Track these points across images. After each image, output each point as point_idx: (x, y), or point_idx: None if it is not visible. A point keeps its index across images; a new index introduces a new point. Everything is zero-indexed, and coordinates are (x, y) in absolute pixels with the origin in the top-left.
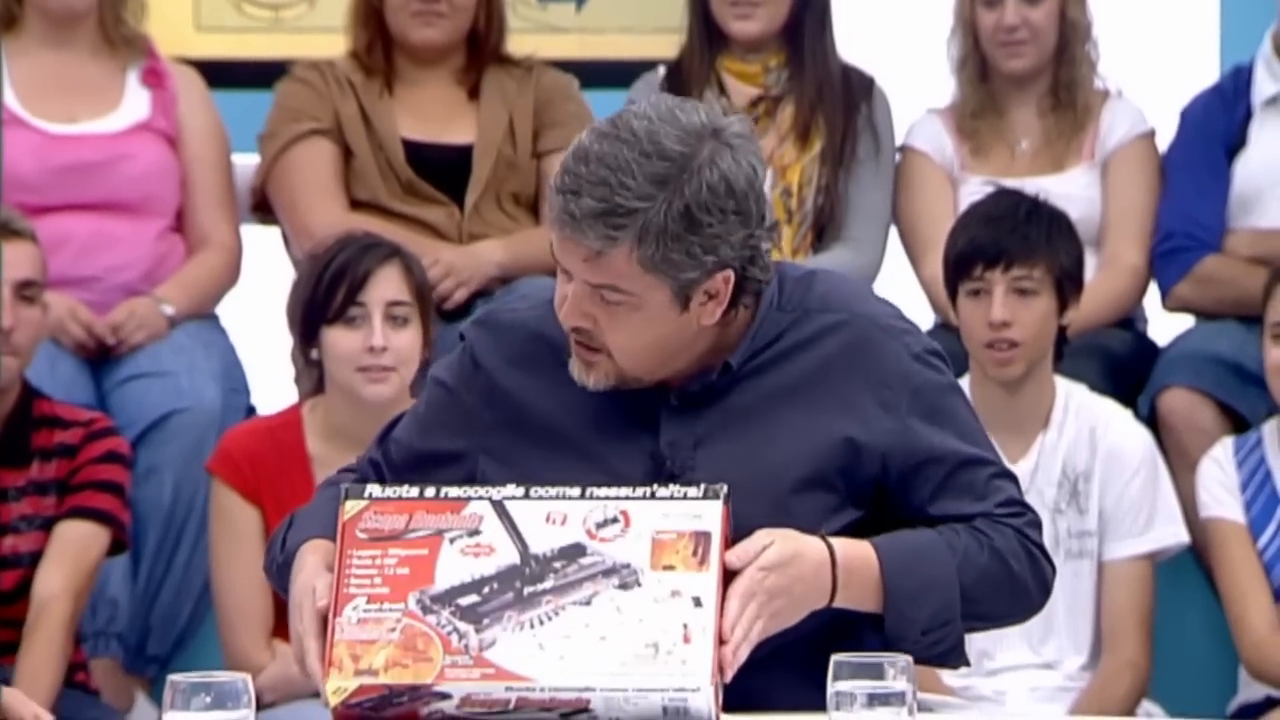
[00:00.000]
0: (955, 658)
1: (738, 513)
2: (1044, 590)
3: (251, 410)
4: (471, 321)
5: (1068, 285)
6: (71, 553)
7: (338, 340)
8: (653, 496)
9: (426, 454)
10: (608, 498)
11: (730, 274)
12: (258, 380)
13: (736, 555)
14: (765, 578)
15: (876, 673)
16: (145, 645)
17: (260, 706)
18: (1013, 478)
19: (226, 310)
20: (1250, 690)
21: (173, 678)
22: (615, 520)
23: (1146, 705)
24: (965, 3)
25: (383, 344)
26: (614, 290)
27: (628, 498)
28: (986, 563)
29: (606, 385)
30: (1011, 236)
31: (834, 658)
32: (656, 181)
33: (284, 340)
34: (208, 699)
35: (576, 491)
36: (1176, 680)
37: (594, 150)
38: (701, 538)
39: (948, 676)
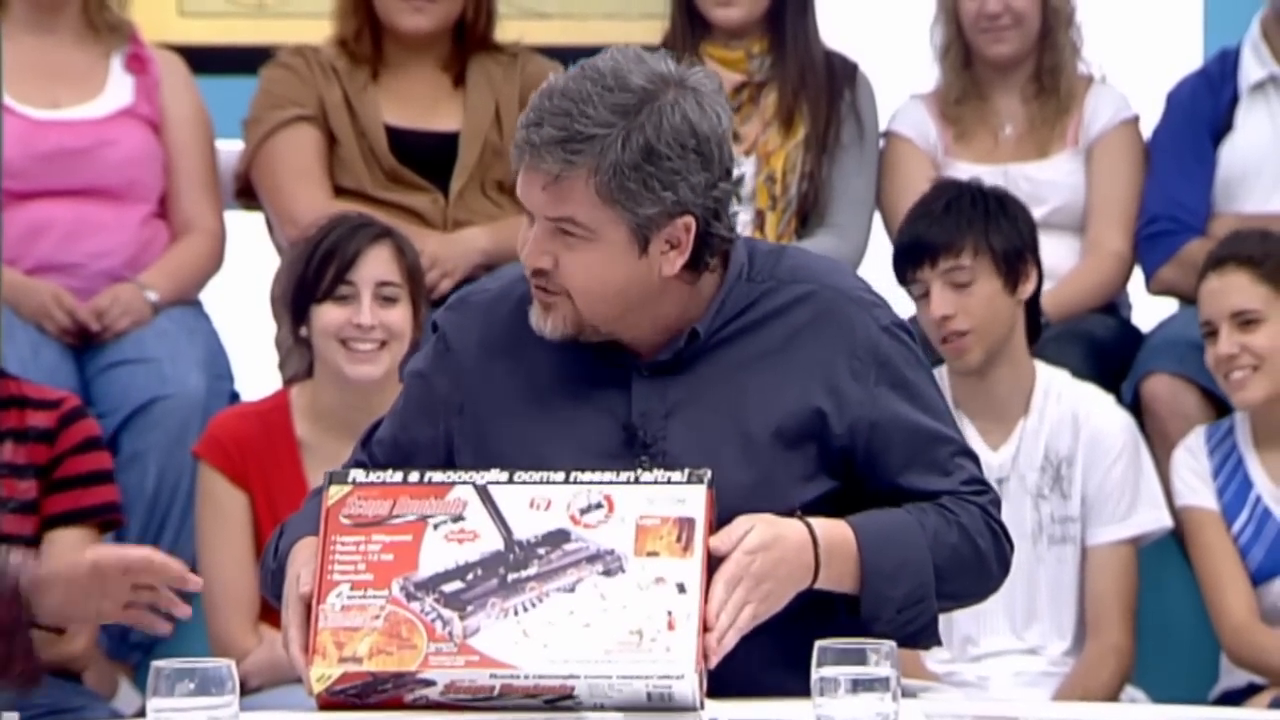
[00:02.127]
0: (928, 637)
1: (714, 480)
2: (1004, 568)
3: (235, 397)
4: (444, 307)
5: (1012, 262)
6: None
7: (325, 315)
8: (636, 481)
9: (408, 445)
10: (591, 483)
11: (691, 221)
12: (241, 366)
13: (720, 541)
14: (751, 562)
15: (860, 658)
16: (128, 632)
17: (246, 691)
18: (974, 456)
19: (210, 296)
20: (1232, 677)
21: (157, 664)
22: (599, 506)
23: (1130, 692)
24: None
25: (370, 322)
26: (572, 223)
27: (611, 483)
28: (956, 541)
29: (564, 332)
30: (931, 230)
31: (818, 644)
32: (617, 111)
33: (268, 326)
34: (192, 685)
35: (560, 476)
36: (1159, 667)
37: (559, 86)
38: (685, 523)
39: (931, 662)
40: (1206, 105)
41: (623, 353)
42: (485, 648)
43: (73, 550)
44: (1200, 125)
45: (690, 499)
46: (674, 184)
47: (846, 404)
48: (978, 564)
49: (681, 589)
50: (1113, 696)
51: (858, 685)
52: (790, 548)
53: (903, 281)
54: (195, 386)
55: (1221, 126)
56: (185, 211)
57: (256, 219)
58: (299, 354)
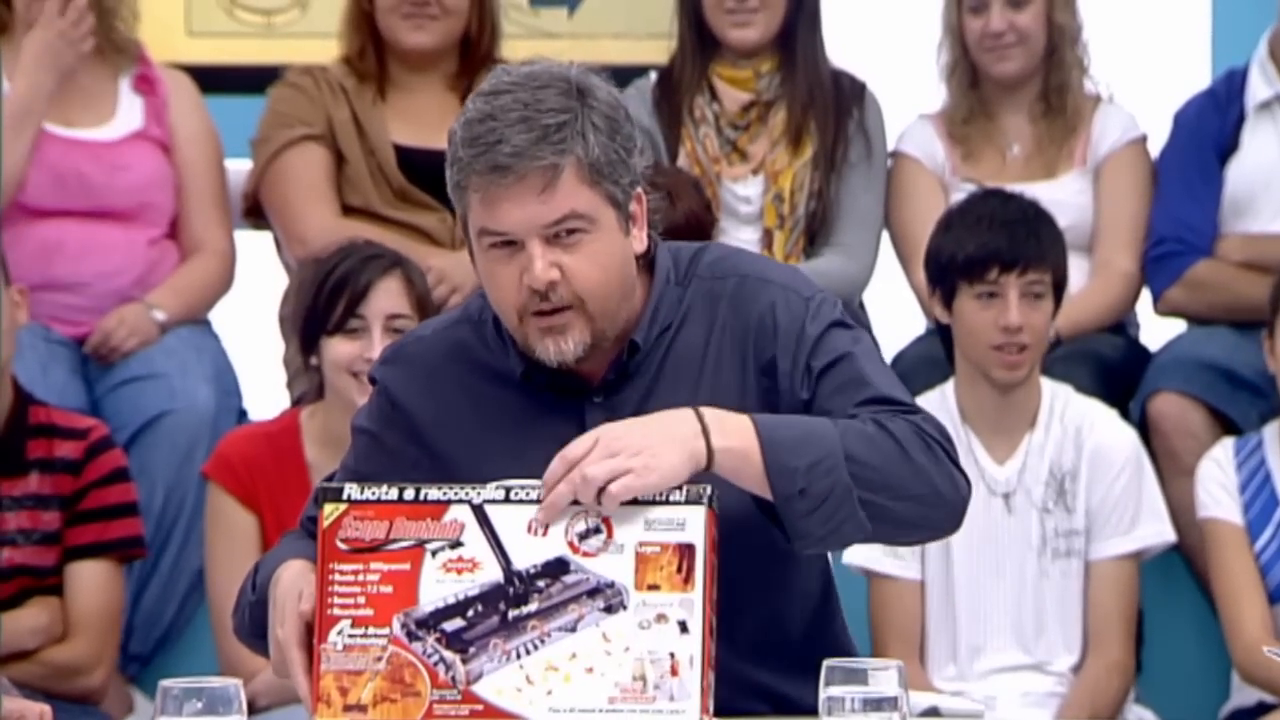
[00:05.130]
0: (855, 528)
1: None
2: (950, 481)
3: (243, 414)
4: (379, 362)
5: (1063, 283)
6: (98, 603)
7: (335, 349)
8: (635, 501)
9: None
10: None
11: (642, 193)
12: (249, 385)
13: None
14: (595, 437)
15: (867, 678)
16: (128, 643)
17: (253, 711)
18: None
19: (218, 315)
20: (1242, 695)
21: (165, 683)
22: (597, 530)
23: (1138, 710)
24: (952, 9)
25: None
26: (573, 218)
27: None
28: (873, 432)
29: (585, 347)
30: (1027, 241)
31: (825, 663)
32: (565, 96)
33: (275, 345)
34: (199, 704)
35: None
36: (1168, 685)
37: (491, 108)
38: (685, 551)
39: (938, 679)
40: (1213, 125)
41: (570, 381)
42: (489, 695)
43: (93, 581)
44: (1207, 146)
45: (690, 521)
46: (632, 150)
47: (788, 386)
48: (901, 457)
49: (684, 628)
50: (1117, 712)
51: (866, 705)
52: (650, 417)
53: (970, 279)
54: (204, 402)
55: (1228, 147)
56: (195, 231)
57: (265, 238)
58: (308, 376)
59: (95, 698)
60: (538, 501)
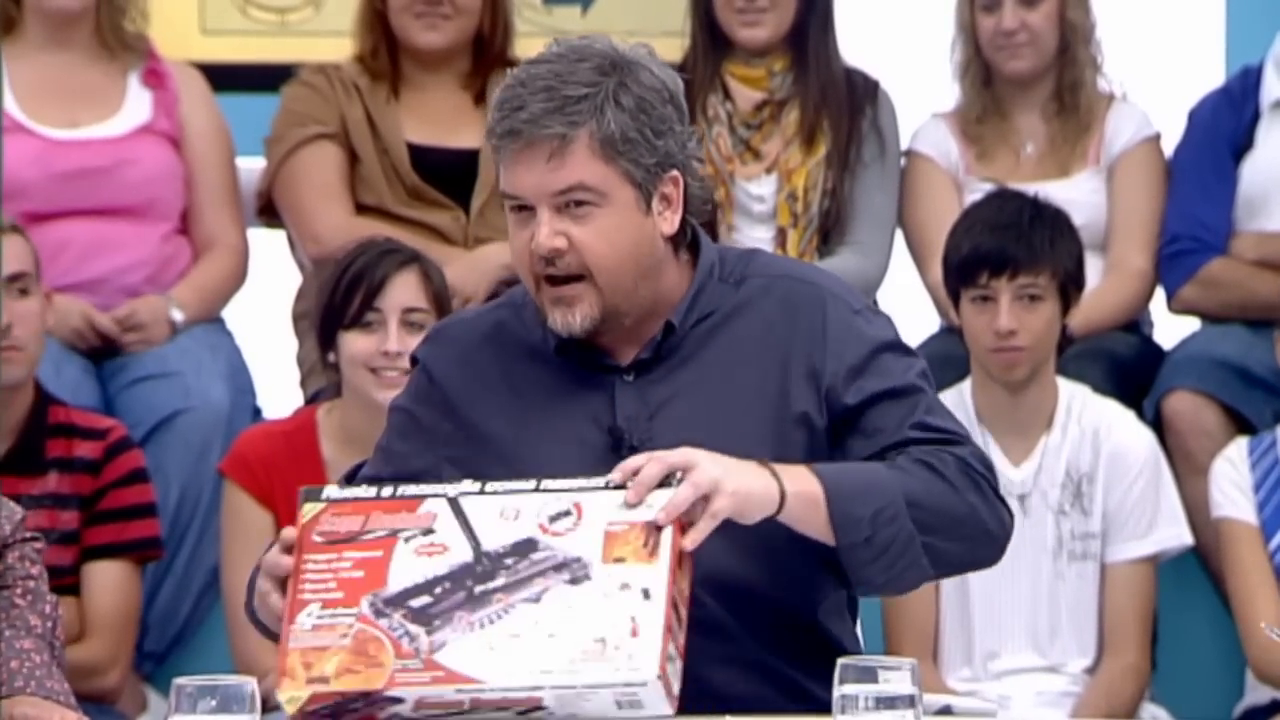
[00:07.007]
0: (917, 575)
1: None
2: (997, 518)
3: (258, 412)
4: (422, 342)
5: (1070, 287)
6: (114, 603)
7: (352, 343)
8: (606, 487)
9: (394, 480)
10: (561, 490)
11: (678, 175)
12: (262, 383)
13: (666, 512)
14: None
15: (881, 676)
16: (142, 641)
17: (267, 709)
18: (949, 413)
19: (231, 313)
20: (1257, 693)
21: (179, 681)
22: (568, 513)
23: (1152, 709)
24: (964, 8)
25: (397, 348)
26: (582, 189)
27: (581, 489)
28: (925, 475)
29: (592, 320)
30: (1018, 244)
31: (840, 661)
32: (597, 71)
33: (289, 343)
34: (213, 702)
35: (531, 485)
36: (1182, 684)
37: (526, 74)
38: (653, 529)
39: (953, 680)
40: (1228, 123)
41: (603, 358)
42: (451, 662)
43: (110, 582)
44: (1221, 143)
45: (658, 503)
46: (664, 133)
47: (833, 391)
48: (956, 499)
49: (646, 595)
50: (1131, 714)
51: (880, 703)
52: (725, 457)
53: (964, 284)
54: (219, 399)
55: (1243, 144)
56: (207, 227)
57: (277, 236)
58: (326, 374)
59: (111, 697)
60: (514, 493)
